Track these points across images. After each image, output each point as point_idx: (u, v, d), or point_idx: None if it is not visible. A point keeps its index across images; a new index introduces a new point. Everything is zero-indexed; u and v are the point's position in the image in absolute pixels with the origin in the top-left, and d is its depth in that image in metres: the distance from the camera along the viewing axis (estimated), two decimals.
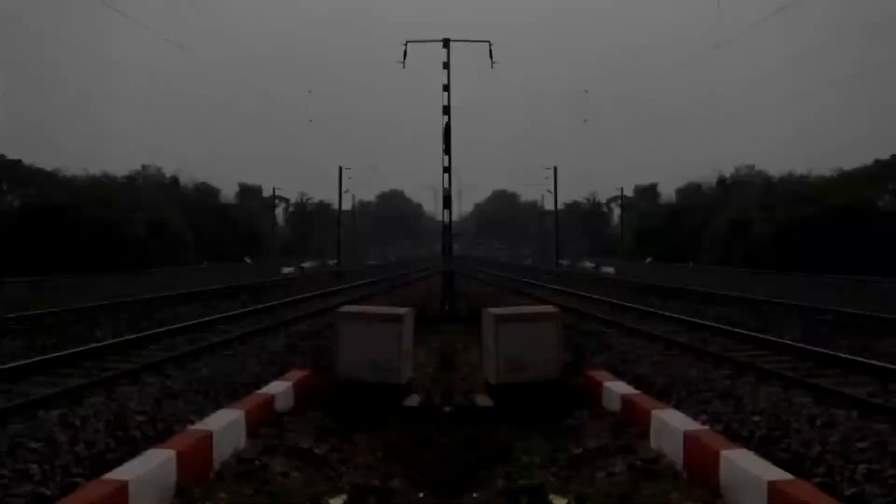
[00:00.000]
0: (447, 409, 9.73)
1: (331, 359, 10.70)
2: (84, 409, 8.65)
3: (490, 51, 23.20)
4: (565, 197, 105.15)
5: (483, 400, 9.92)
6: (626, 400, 8.56)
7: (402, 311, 10.41)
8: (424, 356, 13.34)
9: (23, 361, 11.43)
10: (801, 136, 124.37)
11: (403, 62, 23.12)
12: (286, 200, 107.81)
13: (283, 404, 8.78)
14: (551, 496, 6.37)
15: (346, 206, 78.28)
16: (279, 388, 9.00)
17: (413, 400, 9.85)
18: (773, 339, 14.08)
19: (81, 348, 12.84)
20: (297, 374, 9.97)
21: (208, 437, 6.60)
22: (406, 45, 22.90)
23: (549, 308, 10.87)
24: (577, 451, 7.43)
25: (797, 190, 60.21)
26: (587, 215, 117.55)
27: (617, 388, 9.04)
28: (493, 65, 23.43)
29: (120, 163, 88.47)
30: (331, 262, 66.20)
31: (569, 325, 16.52)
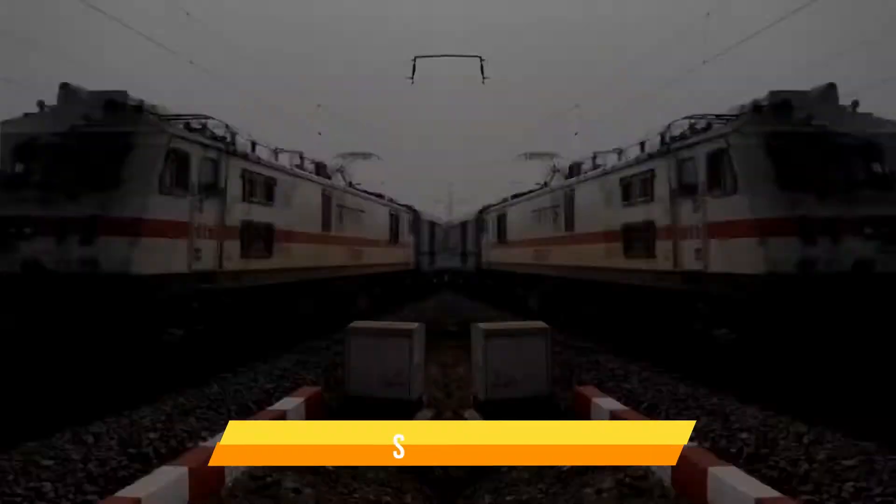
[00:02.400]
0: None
1: (342, 374, 10.68)
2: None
3: (481, 67, 23.31)
4: None
5: (472, 416, 9.90)
6: (614, 416, 8.56)
7: (412, 326, 10.41)
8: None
9: None
10: None
11: (412, 77, 23.19)
12: None
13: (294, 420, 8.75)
14: None
15: None
16: (290, 405, 8.97)
17: (424, 415, 9.83)
18: None
19: None
20: (308, 391, 9.94)
21: None
22: (415, 60, 23.02)
23: (538, 323, 10.87)
24: (565, 468, 7.41)
25: None
26: None
27: (605, 404, 9.03)
28: (484, 80, 23.55)
29: None
30: None
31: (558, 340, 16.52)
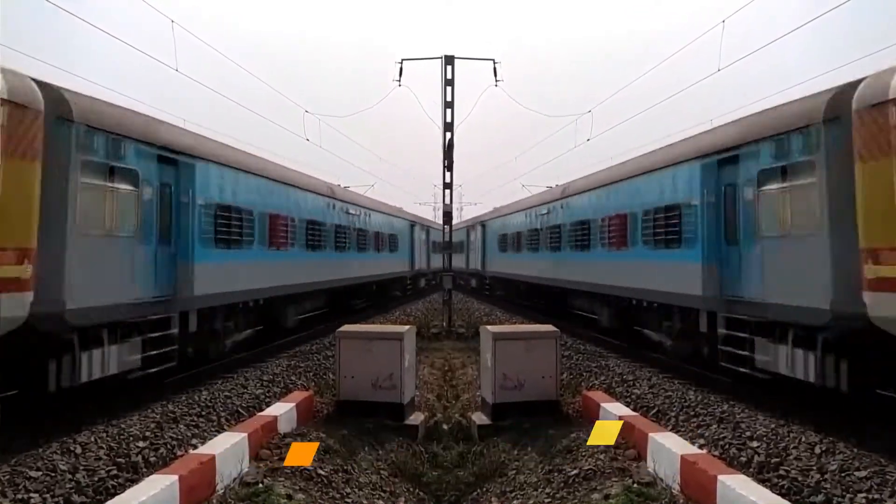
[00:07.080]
0: (446, 427, 9.75)
1: (333, 379, 10.64)
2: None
3: (494, 69, 23.27)
4: None
5: (480, 418, 9.86)
6: (623, 422, 8.48)
7: (402, 328, 10.37)
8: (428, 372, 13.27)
9: None
10: None
11: (399, 80, 23.24)
12: None
13: (286, 426, 8.71)
14: None
15: None
16: (282, 410, 8.94)
17: (416, 418, 9.80)
18: None
19: None
20: (299, 396, 9.92)
21: (211, 460, 6.50)
22: (401, 62, 23.08)
23: (548, 327, 10.81)
24: (573, 472, 7.35)
25: None
26: None
27: (614, 410, 8.96)
28: (497, 83, 23.49)
29: None
30: None
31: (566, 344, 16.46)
